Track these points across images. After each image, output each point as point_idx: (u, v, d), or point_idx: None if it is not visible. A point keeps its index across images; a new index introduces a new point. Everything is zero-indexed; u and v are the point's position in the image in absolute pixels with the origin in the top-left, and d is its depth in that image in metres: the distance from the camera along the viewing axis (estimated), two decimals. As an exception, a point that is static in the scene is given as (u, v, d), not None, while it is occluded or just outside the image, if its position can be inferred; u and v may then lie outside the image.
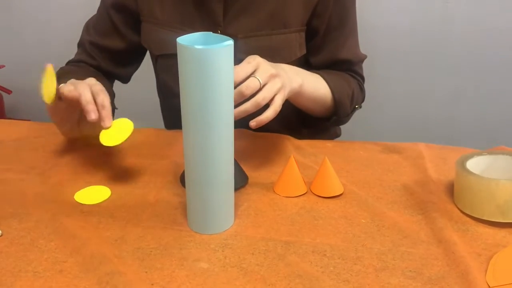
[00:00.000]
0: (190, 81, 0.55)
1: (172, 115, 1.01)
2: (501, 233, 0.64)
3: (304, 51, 0.92)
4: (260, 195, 0.71)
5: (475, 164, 0.70)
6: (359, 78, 0.97)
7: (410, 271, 0.57)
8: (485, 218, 0.66)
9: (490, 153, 0.73)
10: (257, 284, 0.55)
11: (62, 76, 0.79)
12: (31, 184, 0.73)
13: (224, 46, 0.54)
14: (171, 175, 0.76)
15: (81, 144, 0.85)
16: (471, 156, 0.72)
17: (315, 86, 0.86)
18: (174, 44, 0.55)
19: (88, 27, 0.98)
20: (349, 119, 0.97)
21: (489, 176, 0.66)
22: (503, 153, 0.72)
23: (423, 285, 0.55)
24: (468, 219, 0.67)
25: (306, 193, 0.72)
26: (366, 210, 0.69)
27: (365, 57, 0.98)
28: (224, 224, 0.64)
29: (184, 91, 0.57)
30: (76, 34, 1.00)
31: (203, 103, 0.56)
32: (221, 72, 0.55)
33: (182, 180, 0.74)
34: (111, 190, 0.72)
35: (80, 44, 0.99)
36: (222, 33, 0.86)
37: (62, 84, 0.73)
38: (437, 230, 0.64)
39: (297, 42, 0.90)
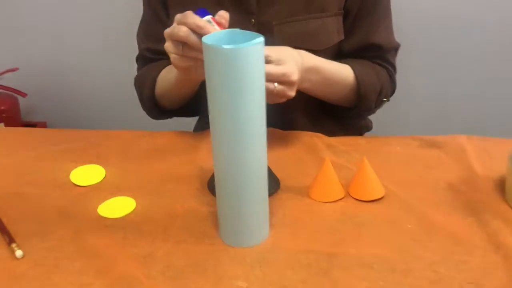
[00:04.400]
0: (219, 83, 0.50)
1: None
2: None
3: (342, 37, 0.87)
4: (295, 201, 0.66)
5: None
6: (391, 68, 0.91)
7: (469, 283, 0.52)
8: (545, 219, 0.60)
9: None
10: (302, 304, 0.50)
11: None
12: (51, 198, 0.69)
13: (254, 44, 0.49)
14: (198, 182, 0.71)
15: (102, 152, 0.81)
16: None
17: (335, 68, 0.82)
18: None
19: (140, 37, 0.95)
20: (374, 112, 0.92)
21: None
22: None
23: (485, 299, 0.50)
24: (524, 220, 0.61)
25: (344, 197, 0.67)
26: (410, 213, 0.63)
27: (398, 45, 0.92)
28: (259, 236, 0.59)
29: (212, 94, 0.52)
30: (89, 35, 0.95)
31: (234, 107, 0.51)
32: (252, 73, 0.50)
33: (210, 187, 0.69)
34: (135, 201, 0.68)
35: (139, 57, 0.97)
36: (256, 21, 0.83)
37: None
38: (492, 234, 0.59)
39: (335, 27, 0.86)
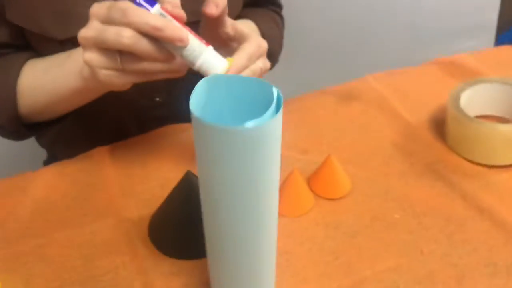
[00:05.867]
0: (229, 170, 0.35)
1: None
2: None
3: None
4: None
5: (464, 104, 0.64)
6: (279, 10, 0.82)
7: (486, 265, 0.52)
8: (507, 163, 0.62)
9: (470, 84, 0.67)
10: None
11: None
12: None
13: (276, 115, 0.33)
14: (140, 243, 0.55)
15: None
16: (457, 94, 0.65)
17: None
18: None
19: None
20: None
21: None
22: (483, 81, 0.67)
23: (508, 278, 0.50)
24: (484, 169, 0.62)
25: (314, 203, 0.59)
26: (387, 198, 0.59)
27: None
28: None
29: (215, 182, 0.36)
30: None
31: (250, 200, 0.36)
32: (272, 151, 0.35)
33: (153, 240, 0.54)
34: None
35: None
36: None
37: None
38: (468, 197, 0.59)
39: None
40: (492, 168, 0.62)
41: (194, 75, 0.50)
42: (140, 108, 0.72)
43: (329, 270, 0.52)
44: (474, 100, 0.66)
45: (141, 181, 0.62)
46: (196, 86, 0.35)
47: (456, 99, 0.64)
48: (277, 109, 0.33)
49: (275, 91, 0.34)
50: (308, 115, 0.72)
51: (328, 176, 0.59)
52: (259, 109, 0.33)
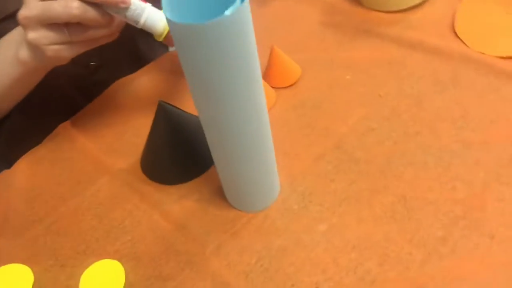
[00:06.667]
0: (211, 65, 0.38)
1: None
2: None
3: None
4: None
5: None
6: None
7: (434, 85, 0.60)
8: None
9: None
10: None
11: None
12: None
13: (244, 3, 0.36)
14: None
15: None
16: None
17: None
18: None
19: None
20: None
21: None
22: None
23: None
24: (401, 14, 0.70)
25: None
26: (334, 67, 0.65)
27: None
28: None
29: (197, 74, 0.39)
30: None
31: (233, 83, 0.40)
32: (248, 38, 0.39)
33: (152, 177, 0.58)
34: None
35: None
36: None
37: None
38: (401, 41, 0.66)
39: None
40: (407, 11, 0.70)
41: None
42: (79, 78, 0.73)
43: (311, 139, 0.58)
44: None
45: (116, 138, 0.64)
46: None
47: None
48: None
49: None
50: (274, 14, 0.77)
51: (279, 67, 0.64)
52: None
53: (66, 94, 0.74)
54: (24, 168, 0.63)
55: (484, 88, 0.58)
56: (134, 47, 0.80)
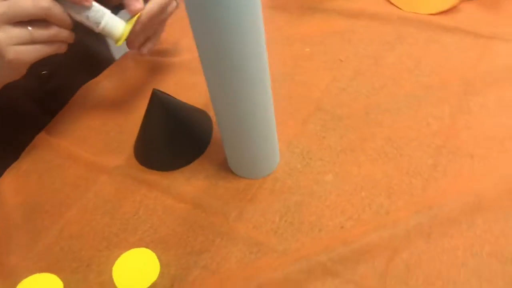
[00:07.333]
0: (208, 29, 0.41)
1: None
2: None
3: None
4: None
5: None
6: None
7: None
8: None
9: None
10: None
11: None
12: None
13: None
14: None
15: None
16: None
17: None
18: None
19: None
20: None
21: None
22: None
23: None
24: None
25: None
26: (297, 44, 0.71)
27: None
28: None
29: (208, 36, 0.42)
30: None
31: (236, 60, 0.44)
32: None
33: (155, 166, 0.59)
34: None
35: None
36: None
37: None
38: (348, 10, 0.74)
39: None
40: None
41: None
42: (32, 89, 0.71)
43: (294, 107, 0.63)
44: None
45: (100, 138, 0.64)
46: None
47: None
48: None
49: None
50: None
51: None
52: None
53: (22, 108, 0.72)
54: (10, 184, 0.60)
55: (426, 41, 0.67)
56: (83, 52, 0.79)
